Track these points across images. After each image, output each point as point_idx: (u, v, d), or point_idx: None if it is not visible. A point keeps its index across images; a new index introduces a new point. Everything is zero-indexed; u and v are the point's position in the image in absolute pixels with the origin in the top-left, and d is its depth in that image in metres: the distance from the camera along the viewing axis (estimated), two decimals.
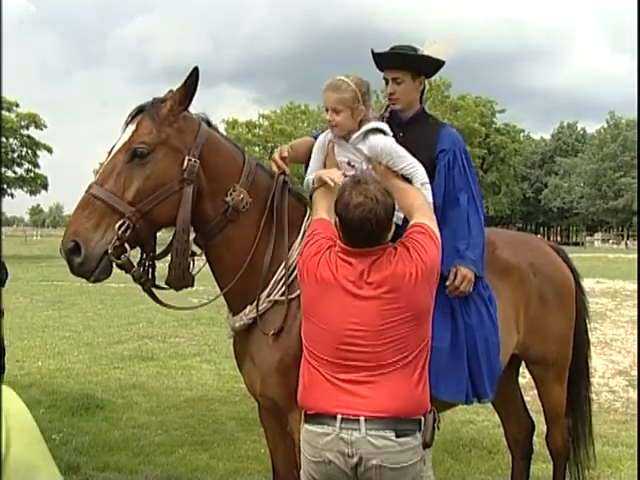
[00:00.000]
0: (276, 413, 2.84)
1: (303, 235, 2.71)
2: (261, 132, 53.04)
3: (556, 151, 72.11)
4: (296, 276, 2.65)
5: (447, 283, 2.86)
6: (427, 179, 2.70)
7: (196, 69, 2.54)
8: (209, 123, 2.75)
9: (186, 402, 6.02)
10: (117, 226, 2.42)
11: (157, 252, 2.67)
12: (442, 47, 3.10)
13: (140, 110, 2.60)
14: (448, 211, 2.93)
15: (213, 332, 9.75)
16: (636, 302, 11.89)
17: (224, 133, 2.85)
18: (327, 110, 2.74)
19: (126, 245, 2.46)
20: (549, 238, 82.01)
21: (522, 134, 73.34)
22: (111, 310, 12.11)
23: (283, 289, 2.68)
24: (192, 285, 2.65)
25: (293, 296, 2.67)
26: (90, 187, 2.48)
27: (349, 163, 2.77)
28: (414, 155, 2.82)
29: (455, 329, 2.86)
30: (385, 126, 2.79)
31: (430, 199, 2.67)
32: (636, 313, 10.91)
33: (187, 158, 2.54)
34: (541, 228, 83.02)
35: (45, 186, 37.83)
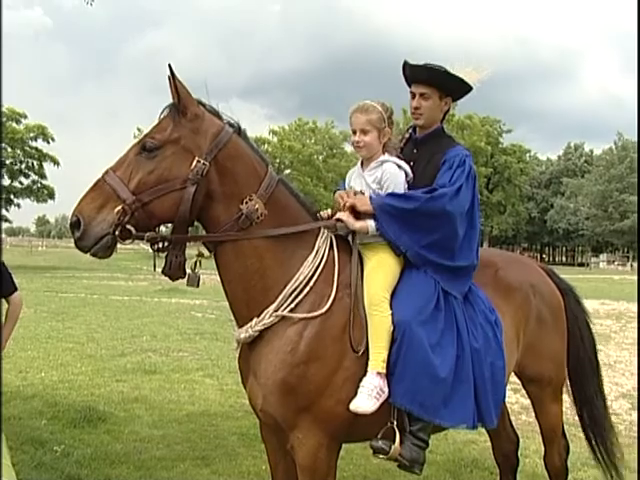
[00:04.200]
0: (277, 430, 2.84)
1: (316, 252, 2.76)
2: (270, 148, 53.21)
3: (563, 172, 72.13)
4: (307, 293, 2.69)
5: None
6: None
7: (169, 65, 2.62)
8: (239, 130, 2.81)
9: (188, 416, 6.01)
10: (116, 210, 2.54)
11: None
12: (474, 72, 3.13)
13: (170, 107, 2.71)
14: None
15: (216, 347, 9.73)
16: None
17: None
18: (355, 132, 2.91)
19: (131, 228, 2.56)
20: (554, 259, 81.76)
21: (528, 154, 73.44)
22: (115, 322, 12.11)
23: (292, 305, 2.70)
24: (184, 277, 2.73)
25: (301, 316, 2.68)
26: (106, 172, 2.63)
27: (361, 192, 2.91)
28: (423, 173, 2.94)
29: (462, 353, 2.84)
30: (402, 163, 2.94)
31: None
32: None
33: (196, 159, 2.62)
34: (546, 248, 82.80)
35: (52, 195, 37.90)
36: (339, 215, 2.85)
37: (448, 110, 3.19)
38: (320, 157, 57.04)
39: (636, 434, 5.77)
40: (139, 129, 49.68)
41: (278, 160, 52.05)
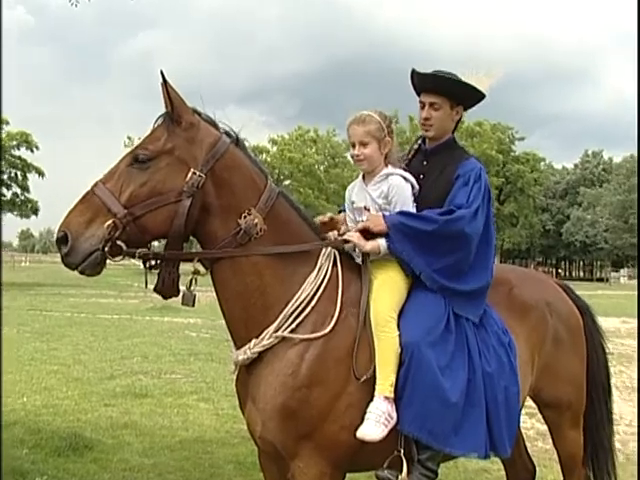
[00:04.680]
0: (276, 458, 2.83)
1: (319, 269, 2.77)
2: (269, 158, 53.37)
3: (580, 181, 72.30)
4: (309, 313, 2.69)
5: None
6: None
7: (161, 71, 2.64)
8: (237, 140, 2.83)
9: (181, 443, 5.97)
10: (106, 225, 2.55)
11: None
12: (485, 78, 3.15)
13: (163, 115, 2.74)
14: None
15: (212, 368, 9.70)
16: None
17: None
18: (354, 146, 2.92)
19: (121, 244, 2.57)
20: (571, 274, 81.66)
21: (543, 163, 73.57)
22: (103, 343, 12.09)
23: (293, 325, 2.70)
24: (177, 295, 2.74)
25: (303, 337, 2.68)
26: (95, 184, 2.64)
27: (365, 207, 2.93)
28: (433, 186, 2.96)
29: (473, 377, 2.83)
30: (408, 175, 2.95)
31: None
32: None
33: (192, 171, 2.63)
34: (562, 263, 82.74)
35: (36, 211, 37.83)
36: (347, 236, 2.86)
37: (460, 119, 3.21)
38: (321, 167, 57.25)
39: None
40: (129, 137, 49.97)
41: (277, 170, 52.22)
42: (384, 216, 2.84)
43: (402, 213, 2.85)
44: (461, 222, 2.84)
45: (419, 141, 3.25)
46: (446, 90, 3.06)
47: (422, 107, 3.11)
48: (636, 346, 13.23)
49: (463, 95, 3.11)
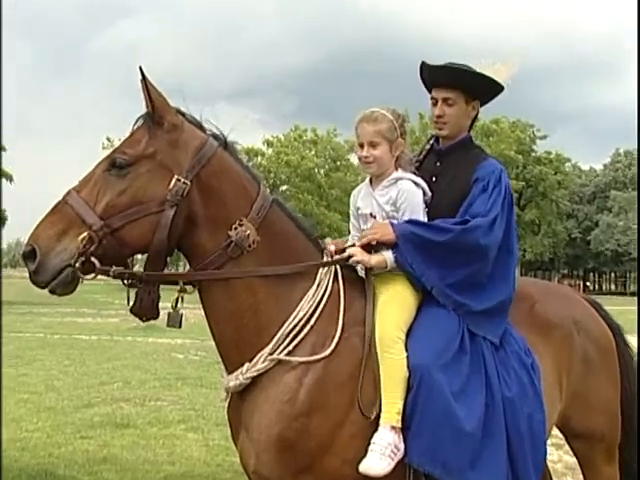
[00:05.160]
0: None
1: (318, 285, 2.78)
2: (264, 161, 53.36)
3: (610, 184, 72.29)
4: (308, 333, 2.70)
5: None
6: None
7: (140, 67, 2.65)
8: (225, 143, 2.85)
9: (167, 479, 5.96)
10: (80, 238, 2.54)
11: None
12: (503, 69, 3.17)
13: (144, 116, 2.74)
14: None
15: (201, 395, 9.68)
16: None
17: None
18: (362, 146, 2.94)
19: (94, 260, 2.56)
20: (600, 287, 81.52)
21: (567, 164, 73.62)
22: (80, 367, 12.07)
23: (290, 347, 2.71)
24: (157, 317, 2.74)
25: (301, 360, 2.69)
26: (68, 192, 2.64)
27: (371, 214, 2.95)
28: (447, 189, 2.98)
29: (491, 403, 2.82)
30: (419, 180, 2.96)
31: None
32: None
33: (176, 178, 2.64)
34: (590, 275, 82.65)
35: (2, 221, 37.48)
36: (350, 252, 2.87)
37: (476, 116, 3.24)
38: (322, 171, 57.27)
39: None
40: (109, 139, 50.22)
41: (273, 175, 52.23)
42: (392, 224, 2.85)
43: (412, 222, 2.87)
44: (477, 232, 2.85)
45: (431, 140, 3.27)
46: (461, 83, 3.06)
47: (434, 103, 3.13)
48: None
49: (480, 88, 3.12)
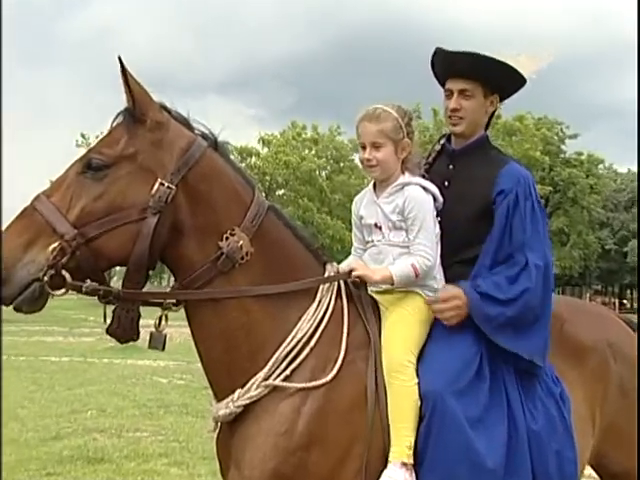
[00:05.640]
0: None
1: (319, 303, 2.80)
2: (259, 162, 53.36)
3: None
4: (307, 356, 2.71)
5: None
6: (422, 270, 2.83)
7: (119, 57, 2.63)
8: (216, 143, 2.86)
9: None
10: (51, 248, 2.53)
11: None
12: (528, 61, 3.17)
13: (123, 113, 2.75)
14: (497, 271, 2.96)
15: (186, 424, 9.67)
16: None
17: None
18: (364, 147, 2.94)
19: (66, 274, 2.55)
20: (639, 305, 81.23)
21: (601, 166, 73.53)
22: (48, 393, 12.06)
23: (287, 372, 2.71)
24: (137, 339, 2.74)
25: (299, 386, 2.69)
26: (37, 197, 2.63)
27: (376, 225, 2.96)
28: (462, 196, 2.98)
29: (515, 435, 2.81)
30: (429, 184, 2.96)
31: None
32: None
33: (159, 182, 2.65)
34: (627, 291, 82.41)
35: None
36: (352, 265, 2.90)
37: (494, 113, 3.25)
38: (323, 173, 57.31)
39: None
40: (84, 136, 50.20)
41: (269, 178, 52.20)
42: (467, 299, 2.87)
43: (484, 296, 2.88)
44: (539, 281, 2.90)
45: (442, 140, 3.27)
46: (481, 73, 3.05)
47: (448, 96, 3.13)
48: None
49: (502, 80, 3.12)
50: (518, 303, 2.88)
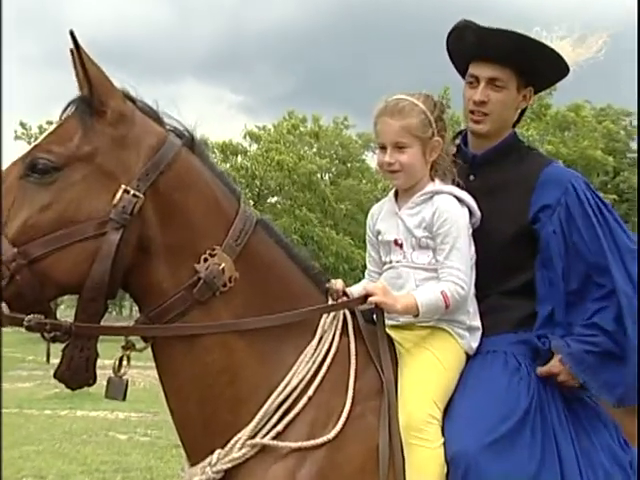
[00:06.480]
0: None
1: (320, 340, 2.81)
2: (247, 162, 52.99)
3: None
4: (304, 407, 2.71)
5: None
6: (454, 300, 2.84)
7: (71, 32, 2.63)
8: (192, 142, 2.88)
9: None
10: None
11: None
12: (573, 47, 3.16)
13: (77, 102, 2.76)
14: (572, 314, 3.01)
15: None
16: None
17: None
18: (384, 148, 2.95)
19: (2, 304, 2.56)
20: None
21: None
22: None
23: (279, 427, 2.72)
24: (93, 383, 2.73)
25: (294, 445, 2.69)
26: None
27: (396, 242, 2.97)
28: (490, 216, 2.99)
29: None
30: (464, 194, 2.96)
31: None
32: None
33: (123, 188, 2.66)
34: None
35: None
36: (369, 290, 2.88)
37: (525, 109, 3.26)
38: (327, 176, 57.08)
39: None
40: (24, 125, 50.18)
41: (259, 182, 51.88)
42: (564, 347, 2.92)
43: (581, 341, 2.92)
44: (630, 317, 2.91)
45: (457, 141, 3.27)
46: (520, 59, 3.04)
47: (472, 84, 3.14)
48: None
49: (544, 70, 3.13)
50: (613, 337, 2.91)
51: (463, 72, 3.24)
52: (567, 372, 2.92)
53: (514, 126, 3.26)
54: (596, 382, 2.92)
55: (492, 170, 3.15)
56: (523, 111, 3.26)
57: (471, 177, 3.16)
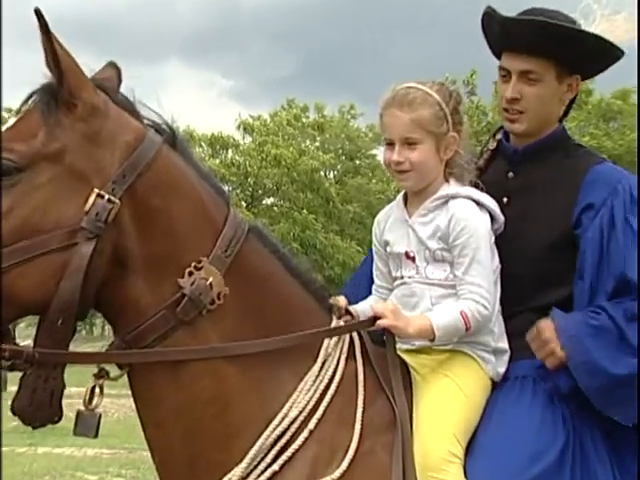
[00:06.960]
0: None
1: (322, 365, 2.82)
2: (239, 157, 52.58)
3: None
4: (305, 442, 2.72)
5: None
6: (475, 320, 2.85)
7: (37, 11, 2.60)
8: (173, 138, 2.89)
9: None
10: None
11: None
12: (623, 25, 3.15)
13: (41, 92, 2.75)
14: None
15: None
16: None
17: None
18: (391, 145, 2.96)
19: None
20: None
21: None
22: None
23: (275, 466, 2.72)
24: (59, 420, 2.73)
25: None
26: None
27: (407, 255, 2.98)
28: (529, 217, 3.03)
29: None
30: (484, 197, 2.97)
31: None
32: None
33: (96, 193, 2.66)
34: None
35: None
36: (378, 311, 2.87)
37: (574, 99, 3.26)
38: (331, 174, 56.86)
39: None
40: None
41: (252, 181, 51.64)
42: (556, 322, 2.91)
43: (586, 334, 2.89)
44: None
45: (499, 135, 3.29)
46: (550, 46, 3.04)
47: (504, 77, 3.15)
48: None
49: (582, 55, 3.10)
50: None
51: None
52: (551, 330, 2.91)
53: (561, 120, 3.26)
54: (580, 356, 2.89)
55: (534, 167, 3.17)
56: (572, 102, 3.27)
57: (510, 174, 3.19)
